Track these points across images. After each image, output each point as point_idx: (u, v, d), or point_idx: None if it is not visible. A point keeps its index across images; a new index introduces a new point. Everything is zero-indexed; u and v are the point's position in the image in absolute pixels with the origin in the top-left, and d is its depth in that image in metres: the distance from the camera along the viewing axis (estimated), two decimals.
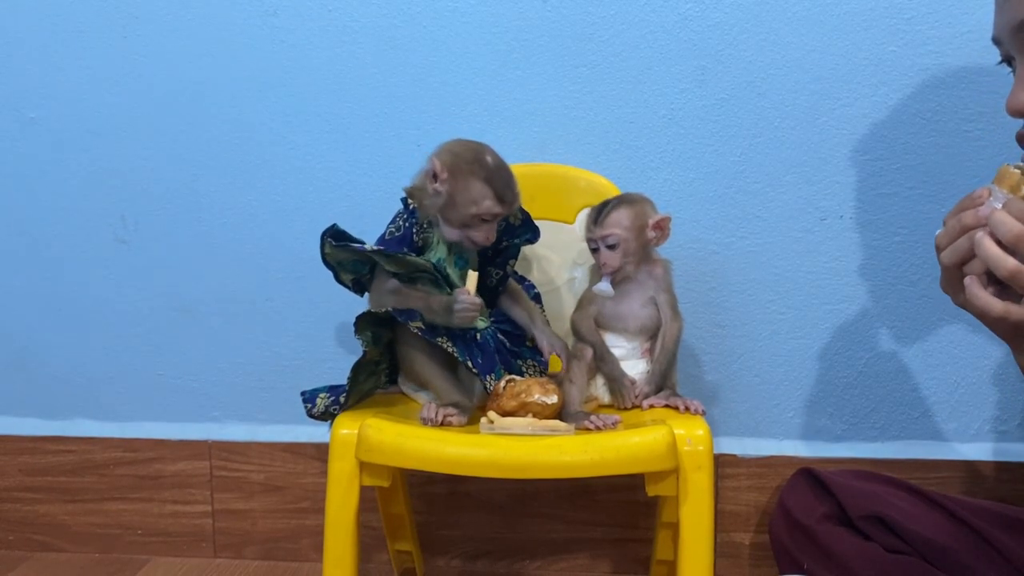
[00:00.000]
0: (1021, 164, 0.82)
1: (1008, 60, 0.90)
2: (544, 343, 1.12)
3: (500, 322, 1.11)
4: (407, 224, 1.06)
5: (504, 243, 1.12)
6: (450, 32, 1.28)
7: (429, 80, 1.30)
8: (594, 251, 1.10)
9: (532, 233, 1.13)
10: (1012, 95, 0.87)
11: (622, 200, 1.09)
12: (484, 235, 1.04)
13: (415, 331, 1.01)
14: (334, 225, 1.04)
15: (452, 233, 1.05)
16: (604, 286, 1.09)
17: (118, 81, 1.34)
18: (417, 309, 1.03)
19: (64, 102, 1.35)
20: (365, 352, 1.04)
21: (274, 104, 1.32)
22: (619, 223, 1.07)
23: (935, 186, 1.26)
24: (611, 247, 1.08)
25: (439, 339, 1.02)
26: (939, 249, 0.84)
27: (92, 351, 1.41)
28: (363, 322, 1.02)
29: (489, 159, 1.04)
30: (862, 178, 1.27)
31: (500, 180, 1.03)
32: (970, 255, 0.81)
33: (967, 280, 0.79)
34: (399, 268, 1.05)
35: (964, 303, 0.85)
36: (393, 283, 1.06)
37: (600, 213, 1.08)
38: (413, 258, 1.04)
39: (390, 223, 1.08)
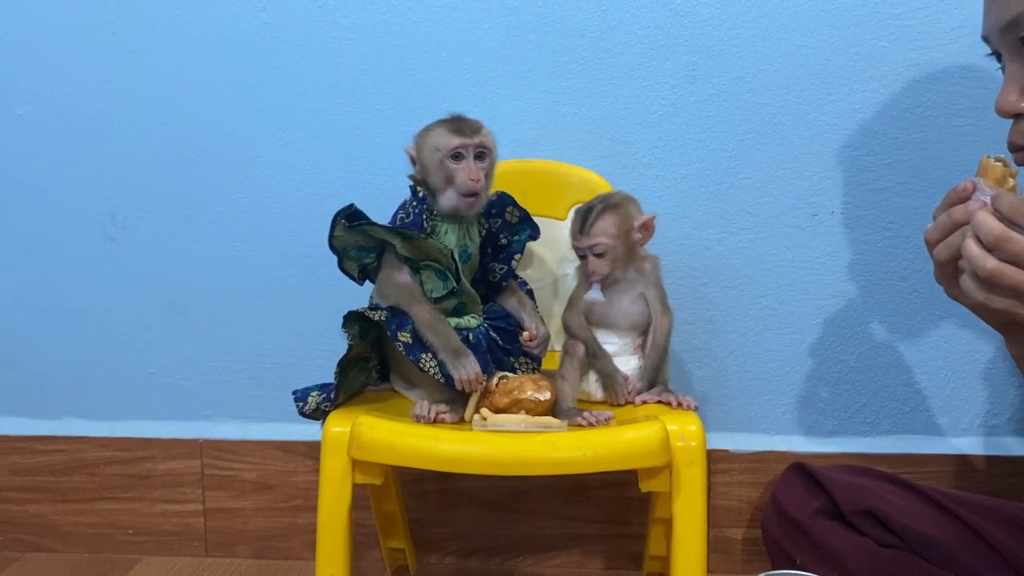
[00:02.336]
0: (1001, 156, 0.83)
1: (999, 58, 0.90)
2: (528, 322, 1.11)
3: (493, 319, 1.11)
4: (416, 210, 1.06)
5: (504, 239, 1.12)
6: (441, 28, 1.28)
7: (420, 76, 1.29)
8: (582, 258, 1.10)
9: (533, 229, 1.13)
10: (1001, 95, 0.88)
11: (606, 205, 1.08)
12: (465, 174, 1.02)
13: (399, 347, 1.00)
14: (351, 205, 1.02)
15: (448, 199, 1.04)
16: (595, 294, 1.09)
17: (107, 77, 1.33)
18: (416, 318, 1.02)
19: (53, 99, 1.34)
20: (351, 347, 1.03)
21: (264, 101, 1.32)
22: (605, 231, 1.07)
23: (926, 181, 1.26)
24: (599, 255, 1.07)
25: (423, 356, 1.01)
26: (929, 244, 0.85)
27: (82, 349, 1.40)
28: (351, 317, 1.02)
29: (446, 116, 1.06)
30: (853, 174, 1.27)
31: (453, 119, 1.05)
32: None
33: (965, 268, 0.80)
34: (412, 253, 1.03)
35: (957, 295, 0.86)
36: (404, 276, 1.04)
37: (585, 222, 1.07)
38: (433, 242, 1.03)
39: (399, 209, 1.08)
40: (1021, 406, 1.31)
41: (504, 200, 1.11)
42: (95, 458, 1.41)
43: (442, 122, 1.05)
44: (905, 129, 1.26)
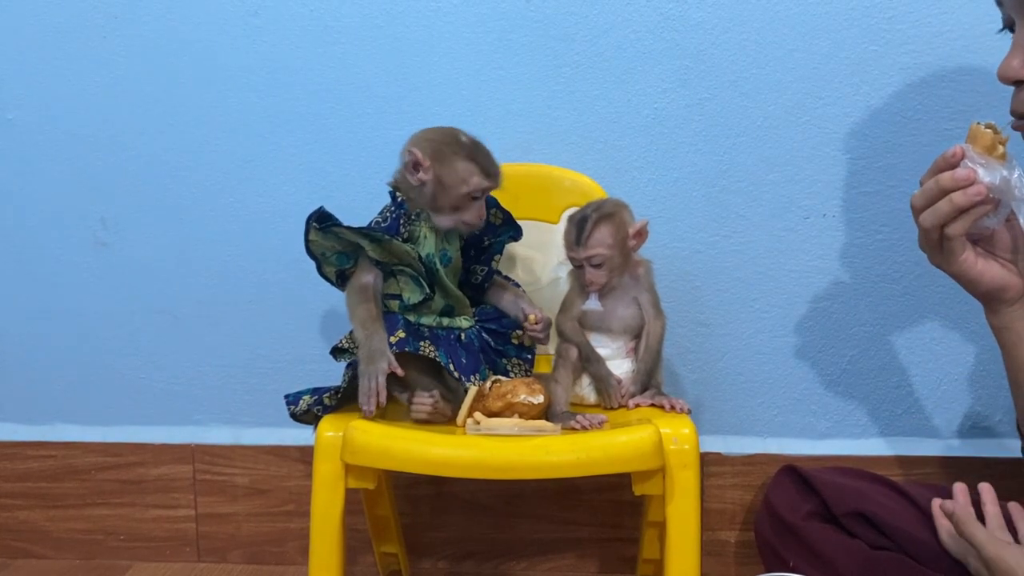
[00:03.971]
0: (991, 123, 0.83)
1: (1010, 24, 0.88)
2: (529, 308, 1.11)
3: (485, 321, 1.11)
4: (394, 215, 1.05)
5: (487, 241, 1.12)
6: (433, 32, 1.28)
7: (412, 80, 1.29)
8: (578, 267, 1.10)
9: (515, 231, 1.13)
10: (1005, 61, 0.86)
11: (601, 215, 1.07)
12: (476, 214, 1.04)
13: (393, 348, 1.00)
14: (320, 208, 1.02)
15: (445, 220, 1.04)
16: (593, 303, 1.09)
17: (97, 81, 1.32)
18: (353, 317, 1.03)
19: (43, 103, 1.33)
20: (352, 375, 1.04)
21: (255, 104, 1.31)
22: (602, 242, 1.06)
23: (916, 184, 1.25)
24: (596, 266, 1.07)
25: (422, 343, 1.02)
26: (915, 210, 0.85)
27: (72, 355, 1.39)
28: (336, 350, 1.04)
29: (464, 138, 1.05)
30: (844, 177, 1.28)
31: (482, 155, 1.04)
32: (949, 217, 0.82)
33: None
34: (384, 256, 1.04)
35: (940, 263, 0.86)
36: (367, 278, 1.05)
37: (580, 232, 1.06)
38: (400, 244, 1.03)
39: (376, 216, 1.07)
40: (1012, 407, 1.31)
41: (488, 202, 1.11)
42: (86, 463, 1.41)
43: (470, 156, 1.03)
44: (895, 132, 1.26)
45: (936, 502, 0.96)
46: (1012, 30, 0.88)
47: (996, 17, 0.91)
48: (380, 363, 0.99)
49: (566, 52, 1.27)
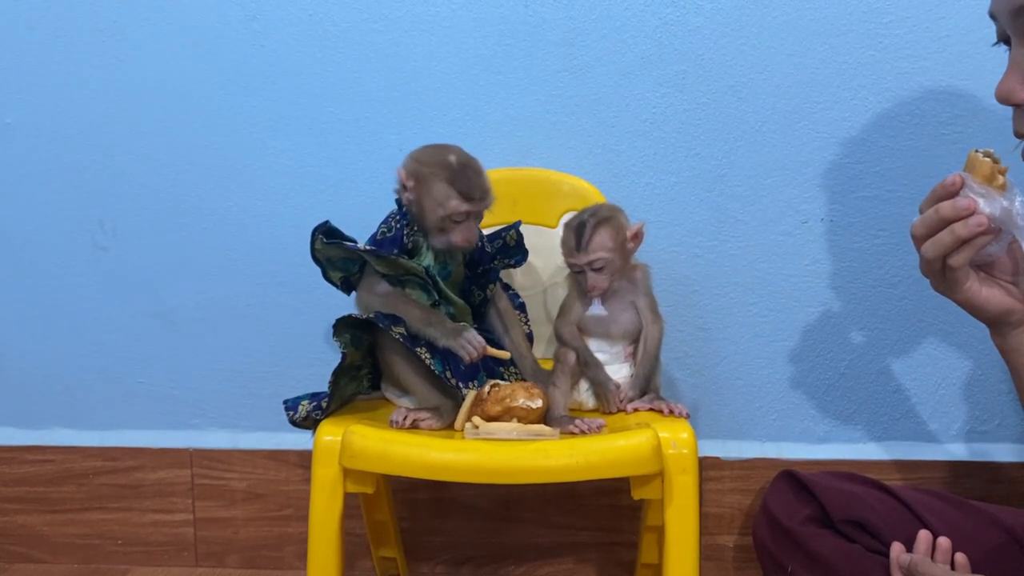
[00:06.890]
0: (990, 151, 0.82)
1: (1004, 38, 0.86)
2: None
3: (483, 327, 1.11)
4: (399, 226, 1.05)
5: (496, 262, 1.12)
6: (432, 37, 1.28)
7: (411, 84, 1.29)
8: (578, 274, 1.09)
9: (521, 255, 1.14)
10: (1003, 81, 0.84)
11: (598, 219, 1.07)
12: (461, 236, 1.03)
13: (396, 336, 1.00)
14: (327, 222, 1.03)
15: (438, 240, 1.04)
16: (596, 309, 1.08)
17: (97, 85, 1.32)
18: (408, 317, 1.02)
19: (42, 106, 1.34)
20: (345, 355, 1.03)
21: (255, 109, 1.31)
22: (602, 246, 1.06)
23: (914, 189, 1.27)
24: (598, 270, 1.07)
25: (419, 348, 1.02)
26: (916, 239, 0.84)
27: (70, 359, 1.39)
28: (342, 325, 1.02)
29: (452, 158, 1.02)
30: (842, 181, 1.28)
31: (463, 178, 1.01)
32: (951, 248, 0.82)
33: None
34: (389, 270, 1.04)
35: (944, 290, 0.86)
36: (384, 286, 1.05)
37: (580, 238, 1.06)
38: (405, 261, 1.03)
39: (382, 223, 1.07)
40: (1010, 412, 1.32)
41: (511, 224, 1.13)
42: (84, 468, 1.40)
43: (451, 176, 1.01)
44: (893, 137, 1.26)
45: (894, 553, 0.97)
46: (1006, 43, 0.86)
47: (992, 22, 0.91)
48: (465, 332, 1.01)
49: (565, 56, 1.27)
